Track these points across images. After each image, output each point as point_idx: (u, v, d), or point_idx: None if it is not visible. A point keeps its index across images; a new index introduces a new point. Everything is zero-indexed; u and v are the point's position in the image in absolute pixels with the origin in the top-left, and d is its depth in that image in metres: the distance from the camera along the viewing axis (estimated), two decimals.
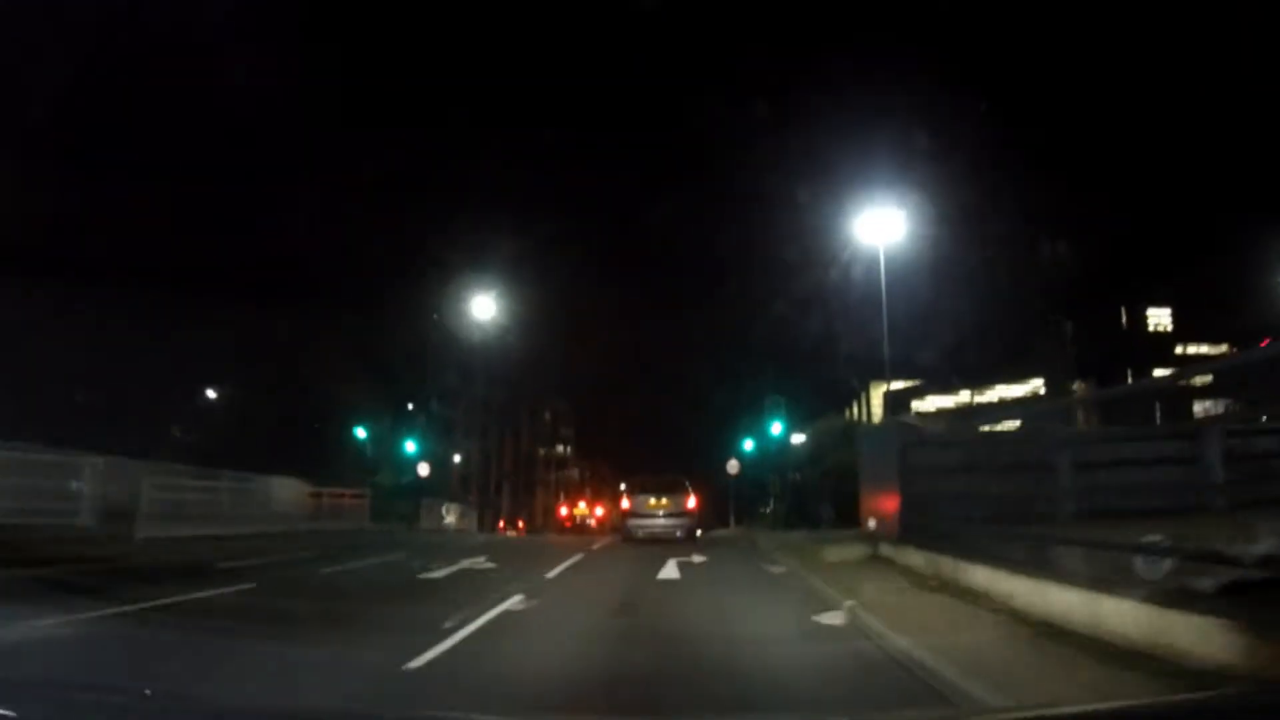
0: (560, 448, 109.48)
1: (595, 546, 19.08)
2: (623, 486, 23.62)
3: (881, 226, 21.20)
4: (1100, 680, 4.77)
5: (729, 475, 36.51)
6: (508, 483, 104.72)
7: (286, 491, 27.75)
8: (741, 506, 41.32)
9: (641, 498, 21.67)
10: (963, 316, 37.99)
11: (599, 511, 41.63)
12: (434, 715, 4.64)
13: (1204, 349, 60.53)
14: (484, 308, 40.73)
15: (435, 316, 42.04)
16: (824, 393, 46.65)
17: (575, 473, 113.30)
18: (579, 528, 39.31)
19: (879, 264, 21.14)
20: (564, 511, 41.26)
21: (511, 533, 53.05)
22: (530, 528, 72.88)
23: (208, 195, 37.18)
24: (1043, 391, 57.70)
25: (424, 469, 40.93)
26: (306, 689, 5.05)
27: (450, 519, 73.77)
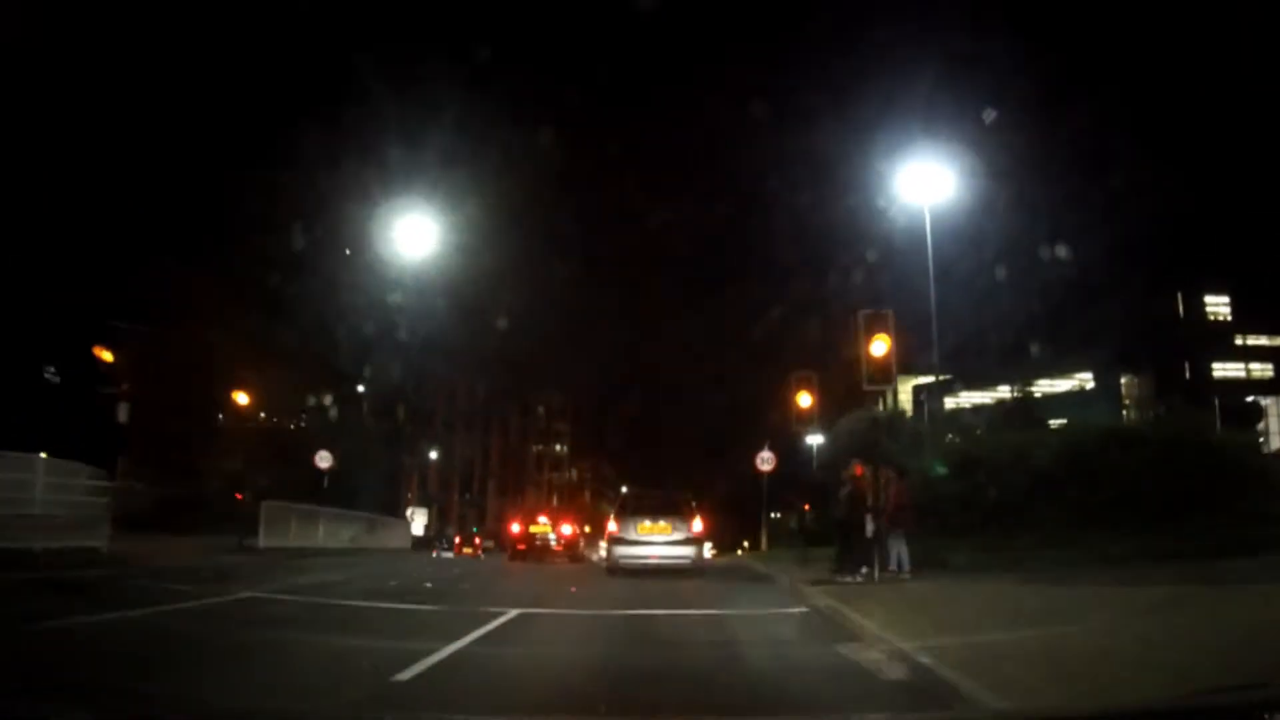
0: (557, 446, 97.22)
1: (447, 651, 6.45)
2: (624, 489, 20.45)
3: (926, 184, 17.52)
4: None
5: (760, 472, 23.80)
6: (494, 482, 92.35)
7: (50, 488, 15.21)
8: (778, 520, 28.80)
9: (633, 520, 16.79)
10: (997, 306, 34.47)
11: (566, 530, 28.63)
12: (435, 718, 4.56)
13: (1263, 340, 58.88)
14: (417, 236, 28.17)
15: (347, 252, 29.47)
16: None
17: (573, 473, 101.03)
18: (538, 549, 27.07)
19: (916, 233, 17.57)
20: (515, 529, 28.79)
21: (468, 550, 40.52)
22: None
23: None
24: (1090, 385, 55.31)
25: (324, 459, 28.52)
26: None
27: (417, 525, 60.28)
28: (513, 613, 9.20)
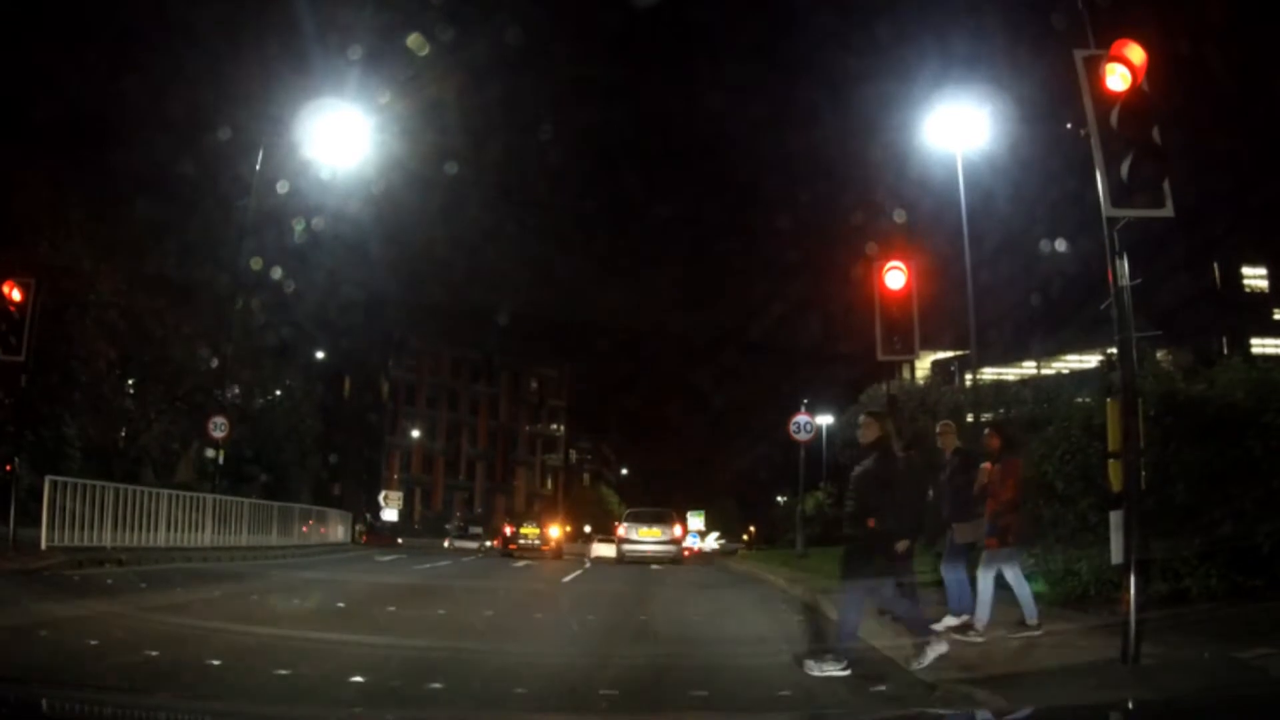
0: (553, 426, 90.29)
1: None
2: (625, 516, 28.22)
3: (958, 129, 15.59)
4: None
5: (795, 440, 17.00)
6: (481, 464, 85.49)
7: None
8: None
9: (634, 526, 25.29)
10: (1017, 281, 32.37)
11: (553, 532, 33.31)
12: (435, 717, 4.69)
13: None
14: (338, 137, 20.90)
15: (258, 160, 22.42)
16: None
17: (571, 455, 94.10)
18: (528, 550, 29.17)
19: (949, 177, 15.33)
20: (508, 531, 31.24)
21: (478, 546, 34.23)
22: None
23: None
24: None
25: (219, 427, 21.69)
26: None
27: (390, 511, 52.78)
28: None
